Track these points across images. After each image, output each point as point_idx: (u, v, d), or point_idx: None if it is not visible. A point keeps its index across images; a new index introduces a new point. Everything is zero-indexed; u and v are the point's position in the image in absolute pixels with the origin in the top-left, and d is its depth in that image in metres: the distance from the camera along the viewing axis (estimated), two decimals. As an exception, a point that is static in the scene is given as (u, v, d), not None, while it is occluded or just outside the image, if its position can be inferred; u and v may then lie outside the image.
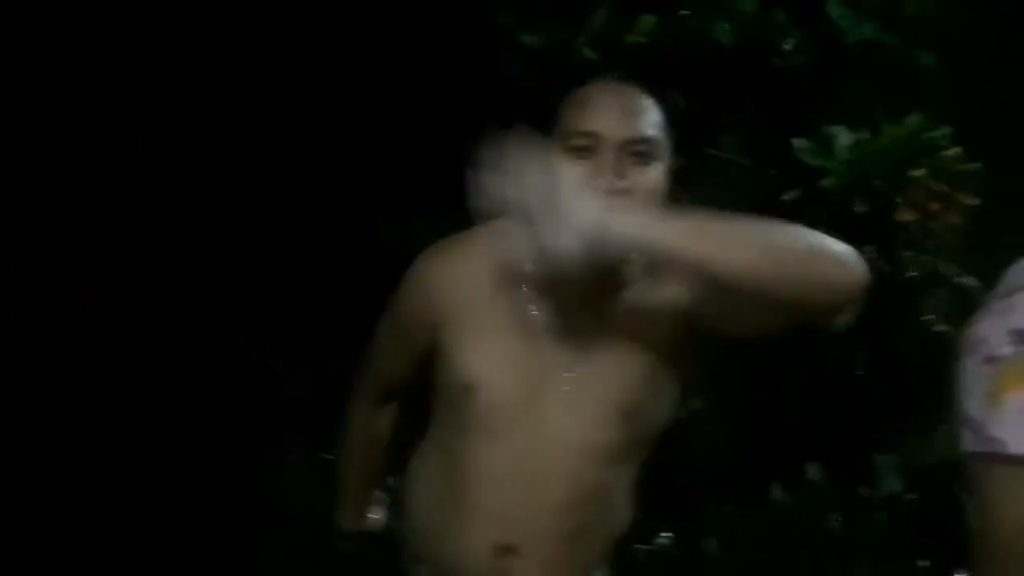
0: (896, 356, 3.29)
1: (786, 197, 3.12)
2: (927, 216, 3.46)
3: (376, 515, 1.80)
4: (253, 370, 3.14)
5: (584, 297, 1.42)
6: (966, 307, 3.52)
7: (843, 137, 3.04)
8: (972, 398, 1.35)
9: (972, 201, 3.53)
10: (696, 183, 3.12)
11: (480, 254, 1.49)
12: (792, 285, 1.38)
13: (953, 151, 3.42)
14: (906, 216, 3.42)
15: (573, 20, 2.81)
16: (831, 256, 1.45)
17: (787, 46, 2.96)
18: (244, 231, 3.18)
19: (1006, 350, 1.33)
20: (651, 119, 1.46)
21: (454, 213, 1.52)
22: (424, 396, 1.62)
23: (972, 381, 1.36)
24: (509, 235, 1.41)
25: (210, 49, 3.10)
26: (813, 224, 3.38)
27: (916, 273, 3.35)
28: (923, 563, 2.99)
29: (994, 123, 3.39)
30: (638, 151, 1.42)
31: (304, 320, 3.03)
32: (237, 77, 3.13)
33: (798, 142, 2.97)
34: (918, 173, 3.33)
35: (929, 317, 3.39)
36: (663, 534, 2.91)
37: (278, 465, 3.05)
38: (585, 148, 1.40)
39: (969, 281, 3.52)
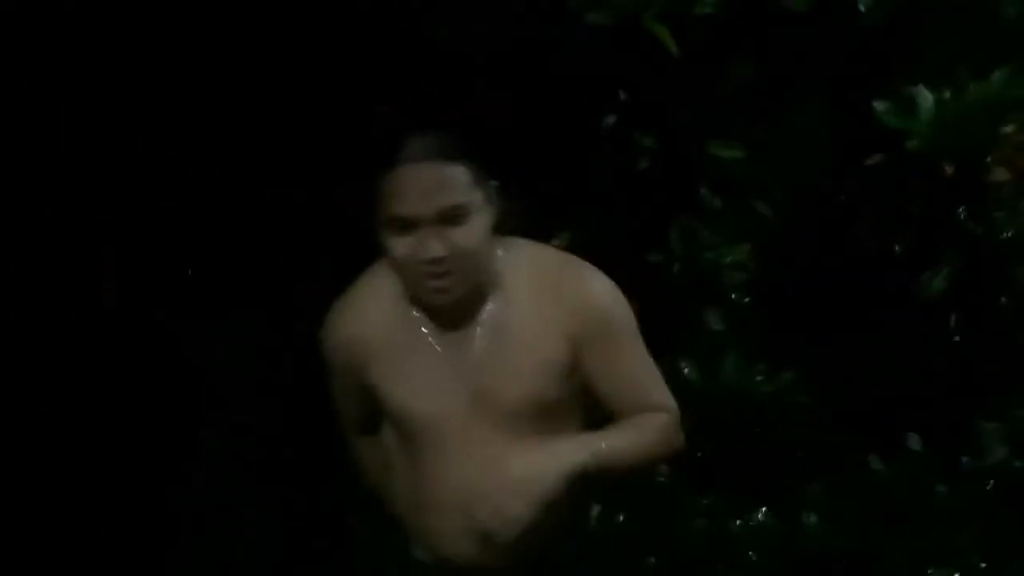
0: (995, 320, 3.19)
1: (869, 162, 3.05)
2: (1020, 174, 3.35)
3: None
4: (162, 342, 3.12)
5: (471, 315, 1.69)
6: (1067, 265, 3.41)
7: (925, 97, 2.95)
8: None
9: (1067, 156, 3.41)
10: (772, 153, 3.09)
11: (374, 297, 1.74)
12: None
13: (1044, 106, 3.31)
14: (998, 175, 3.32)
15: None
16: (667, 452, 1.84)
17: (862, 6, 2.89)
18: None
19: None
20: (456, 185, 1.63)
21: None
22: None
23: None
24: (390, 276, 1.71)
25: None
26: (900, 188, 3.32)
27: (1011, 233, 3.24)
28: (1032, 530, 2.90)
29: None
30: (451, 217, 1.61)
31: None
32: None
33: (879, 104, 2.89)
34: (1008, 130, 3.23)
35: (1027, 278, 3.29)
36: (761, 509, 2.86)
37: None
38: (406, 227, 1.62)
39: (1068, 239, 3.40)
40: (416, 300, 1.69)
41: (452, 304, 1.66)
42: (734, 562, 2.83)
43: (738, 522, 2.85)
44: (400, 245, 1.63)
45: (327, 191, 2.91)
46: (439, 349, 1.69)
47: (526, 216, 1.69)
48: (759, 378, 2.91)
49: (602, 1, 2.74)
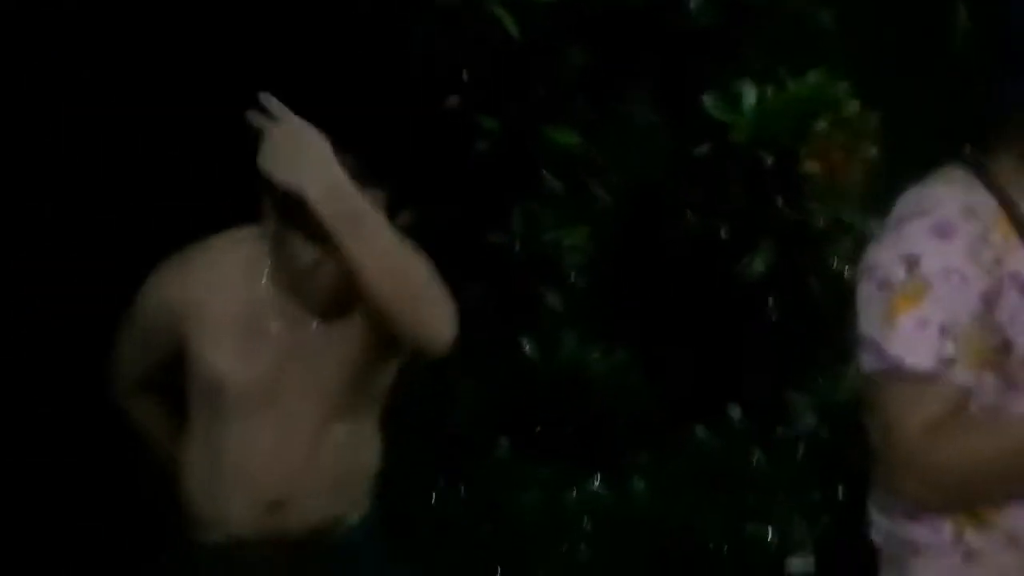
0: (807, 301, 3.44)
1: (697, 151, 3.25)
2: (831, 167, 3.63)
3: None
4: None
5: (311, 300, 1.75)
6: (870, 251, 3.71)
7: (749, 92, 3.17)
8: (870, 321, 1.47)
9: (872, 151, 3.71)
10: (607, 140, 3.25)
11: (218, 261, 1.78)
12: (400, 305, 1.68)
13: (852, 104, 3.59)
14: (811, 168, 3.58)
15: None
16: (439, 299, 1.72)
17: (692, 5, 3.08)
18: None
19: (899, 274, 1.45)
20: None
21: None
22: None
23: (869, 305, 1.48)
24: (250, 242, 1.76)
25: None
26: (725, 176, 3.54)
27: (822, 222, 3.50)
28: (837, 494, 3.16)
29: (889, 76, 3.56)
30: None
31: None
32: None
33: (708, 97, 3.09)
34: (820, 126, 3.49)
35: (836, 262, 3.56)
36: (595, 479, 3.02)
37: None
38: (310, 234, 1.69)
39: (873, 227, 3.69)
40: (278, 281, 1.74)
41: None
42: (569, 530, 2.98)
43: (573, 492, 2.99)
44: (303, 250, 1.70)
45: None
46: (276, 326, 1.74)
47: (387, 202, 1.75)
48: (595, 356, 3.07)
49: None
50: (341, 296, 1.72)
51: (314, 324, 1.75)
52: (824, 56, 3.36)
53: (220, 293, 1.74)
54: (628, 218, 3.16)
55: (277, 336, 1.73)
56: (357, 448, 1.82)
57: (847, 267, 3.62)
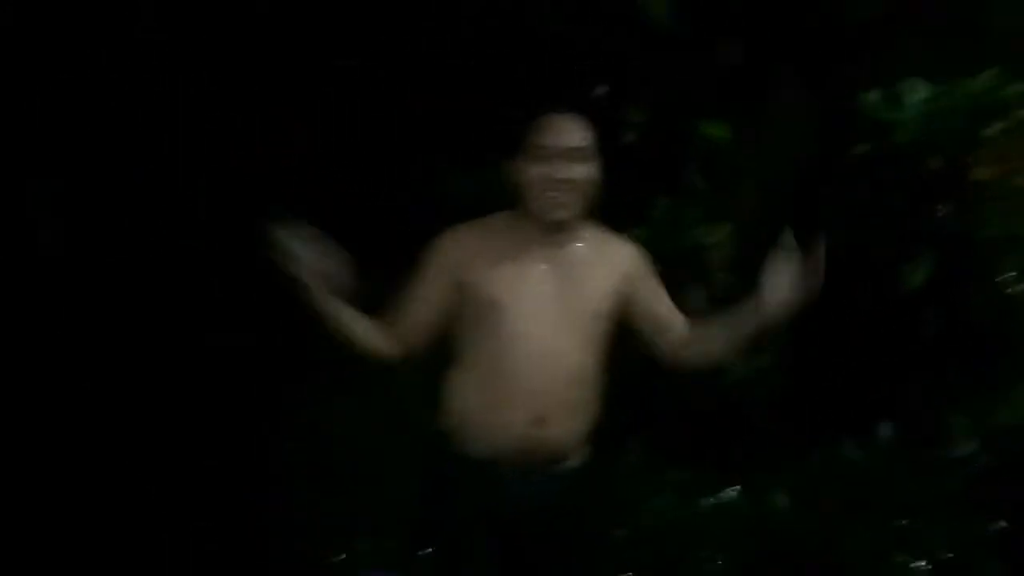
0: (971, 316, 3.22)
1: (855, 151, 3.08)
2: (1001, 175, 3.39)
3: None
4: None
5: (567, 242, 2.15)
6: (1042, 268, 3.44)
7: (914, 91, 2.98)
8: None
9: (1050, 161, 3.44)
10: (758, 137, 3.12)
11: (491, 226, 2.18)
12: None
13: (1029, 109, 3.34)
14: (982, 174, 3.35)
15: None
16: None
17: (849, -5, 2.92)
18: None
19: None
20: (584, 135, 2.13)
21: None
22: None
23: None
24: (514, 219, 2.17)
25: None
26: (885, 180, 3.34)
27: (992, 232, 3.27)
28: (997, 524, 2.93)
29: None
30: (576, 155, 2.11)
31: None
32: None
33: (867, 95, 2.93)
34: (992, 131, 3.26)
35: (1005, 277, 3.31)
36: (731, 488, 2.88)
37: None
38: (543, 156, 2.11)
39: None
40: (534, 218, 2.11)
41: (562, 223, 2.11)
42: (701, 539, 2.85)
43: (711, 500, 2.87)
44: (535, 169, 2.09)
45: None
46: (542, 256, 2.10)
47: None
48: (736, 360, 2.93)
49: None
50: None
51: (574, 253, 2.11)
52: (999, 55, 3.14)
53: (495, 239, 2.12)
54: (775, 219, 3.01)
55: (542, 267, 2.09)
56: (595, 386, 2.14)
57: (1017, 283, 3.38)
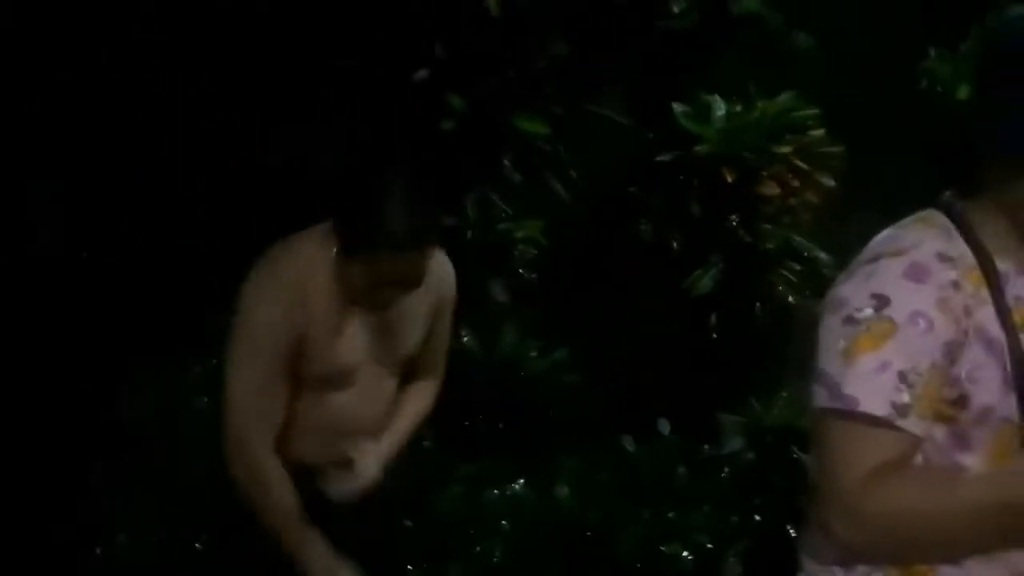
0: (748, 323, 3.43)
1: (661, 159, 3.21)
2: (787, 192, 3.62)
3: None
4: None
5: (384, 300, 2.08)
6: (817, 280, 3.71)
7: (719, 106, 3.13)
8: (830, 356, 1.43)
9: (830, 182, 3.71)
10: (574, 136, 3.19)
11: (315, 264, 2.04)
12: None
13: (818, 132, 3.58)
14: (769, 190, 3.57)
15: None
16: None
17: (676, 8, 3.02)
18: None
19: (866, 312, 1.41)
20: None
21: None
22: None
23: (831, 339, 1.43)
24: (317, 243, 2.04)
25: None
26: (684, 188, 3.49)
27: (772, 245, 3.49)
28: (757, 517, 3.15)
29: (859, 107, 3.55)
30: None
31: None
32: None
33: (679, 106, 3.04)
34: (784, 149, 3.47)
35: (781, 288, 3.55)
36: (517, 480, 2.97)
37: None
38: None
39: (821, 256, 3.70)
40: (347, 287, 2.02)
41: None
42: (488, 529, 2.92)
43: (495, 491, 2.94)
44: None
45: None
46: (359, 316, 2.03)
47: None
48: (533, 354, 3.01)
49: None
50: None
51: (386, 319, 2.04)
52: (798, 80, 3.34)
53: (323, 295, 1.99)
54: (584, 218, 3.10)
55: (362, 325, 2.03)
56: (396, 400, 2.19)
57: (791, 294, 3.63)
